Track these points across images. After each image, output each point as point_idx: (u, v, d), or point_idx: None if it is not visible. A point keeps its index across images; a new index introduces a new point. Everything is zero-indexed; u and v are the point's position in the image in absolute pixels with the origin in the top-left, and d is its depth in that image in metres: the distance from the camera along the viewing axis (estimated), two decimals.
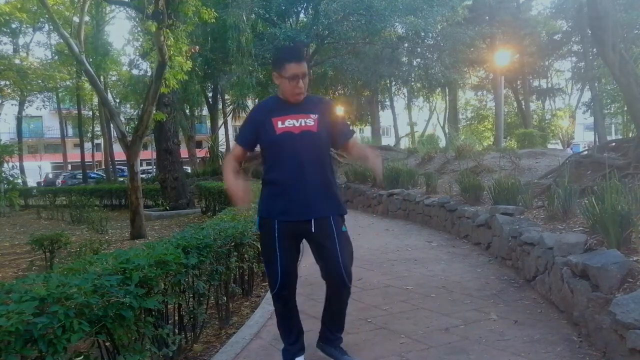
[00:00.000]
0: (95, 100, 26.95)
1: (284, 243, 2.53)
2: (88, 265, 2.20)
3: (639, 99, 5.93)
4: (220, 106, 27.29)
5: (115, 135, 13.83)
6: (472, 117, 37.63)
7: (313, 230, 2.49)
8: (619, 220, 3.19)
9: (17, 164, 21.74)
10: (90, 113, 32.53)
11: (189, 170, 22.80)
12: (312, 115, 2.54)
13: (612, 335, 2.47)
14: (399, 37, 19.14)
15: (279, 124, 2.51)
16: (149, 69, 16.88)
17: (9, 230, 12.88)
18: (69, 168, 36.00)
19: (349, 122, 2.85)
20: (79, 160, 29.00)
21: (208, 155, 24.48)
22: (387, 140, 35.26)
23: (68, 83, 22.34)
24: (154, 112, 9.57)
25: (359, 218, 9.19)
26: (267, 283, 4.61)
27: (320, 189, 2.51)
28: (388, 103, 30.12)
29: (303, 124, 2.51)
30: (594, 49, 19.49)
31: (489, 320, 3.31)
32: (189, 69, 9.80)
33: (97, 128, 31.77)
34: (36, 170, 33.23)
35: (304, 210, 2.49)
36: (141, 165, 15.15)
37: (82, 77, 18.99)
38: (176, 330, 2.81)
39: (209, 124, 30.67)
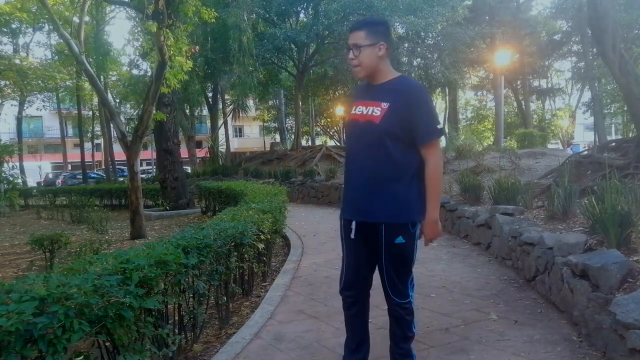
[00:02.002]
0: (95, 100, 26.95)
1: (349, 241, 2.31)
2: (88, 265, 2.20)
3: (639, 99, 5.93)
4: (220, 106, 27.30)
5: (115, 135, 13.83)
6: (472, 117, 37.65)
7: (352, 236, 2.27)
8: (619, 220, 3.19)
9: (17, 164, 21.73)
10: (90, 113, 32.53)
11: (189, 170, 22.80)
12: (383, 104, 2.19)
13: (612, 335, 2.47)
14: (399, 37, 19.15)
15: (353, 110, 2.32)
16: (149, 69, 16.88)
17: (9, 230, 12.87)
18: (69, 168, 35.99)
19: (438, 120, 2.29)
20: (79, 160, 28.98)
21: (208, 155, 24.49)
22: None
23: (68, 83, 22.34)
24: (154, 112, 9.57)
25: None
26: (267, 283, 4.62)
27: (368, 188, 2.21)
28: None
29: (370, 113, 2.22)
30: (594, 49, 19.48)
31: (489, 320, 3.31)
32: (189, 69, 9.80)
33: (97, 128, 31.77)
34: (36, 170, 33.22)
35: (350, 209, 2.29)
36: (141, 165, 15.15)
37: (82, 77, 18.98)
38: (176, 330, 2.80)
39: (209, 124, 30.68)
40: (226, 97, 28.48)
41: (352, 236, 2.27)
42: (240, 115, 30.44)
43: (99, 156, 37.99)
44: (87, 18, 18.59)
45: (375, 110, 2.20)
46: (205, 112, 27.87)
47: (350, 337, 2.42)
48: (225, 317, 3.50)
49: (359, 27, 2.25)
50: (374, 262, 2.32)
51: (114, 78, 28.42)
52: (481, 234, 5.69)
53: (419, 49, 20.47)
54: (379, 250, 2.25)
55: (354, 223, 2.26)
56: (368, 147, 2.21)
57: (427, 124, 2.19)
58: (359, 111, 2.27)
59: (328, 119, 34.96)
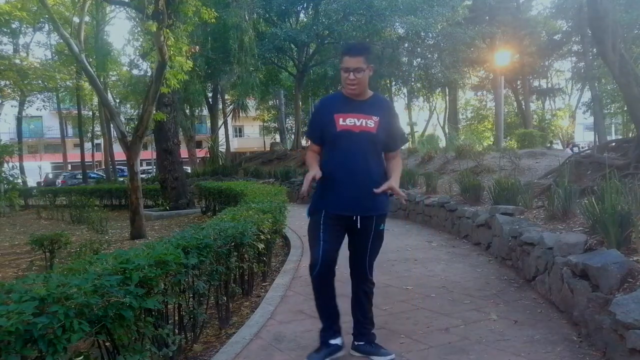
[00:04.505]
0: (95, 100, 26.91)
1: (329, 231, 2.64)
2: (88, 265, 2.20)
3: (639, 99, 5.93)
4: (220, 106, 27.30)
5: (115, 135, 13.82)
6: (472, 117, 37.61)
7: (359, 227, 2.63)
8: (619, 220, 3.19)
9: (17, 164, 21.74)
10: (90, 113, 32.49)
11: (189, 170, 22.80)
12: (374, 117, 2.63)
13: (612, 335, 2.47)
14: (399, 37, 19.15)
15: (341, 121, 2.62)
16: (149, 69, 16.86)
17: (9, 230, 12.87)
18: (69, 168, 35.98)
19: (405, 131, 2.92)
20: (79, 160, 28.96)
21: (208, 155, 24.47)
22: None
23: (68, 83, 22.30)
24: (154, 112, 9.57)
25: None
26: (267, 283, 4.62)
27: (369, 188, 2.58)
28: None
29: (364, 125, 2.61)
30: (594, 49, 19.48)
31: (489, 320, 3.31)
32: (189, 69, 9.81)
33: (97, 128, 31.73)
34: (36, 170, 33.17)
35: (351, 206, 2.61)
36: (141, 165, 15.16)
37: (82, 77, 18.96)
38: (176, 330, 2.80)
39: (209, 124, 30.67)
40: (226, 97, 28.47)
41: (359, 226, 2.64)
42: (240, 115, 30.44)
43: (99, 156, 37.96)
44: (87, 18, 18.57)
45: (370, 123, 2.62)
46: (205, 112, 27.86)
47: (325, 313, 2.76)
48: (225, 317, 3.49)
49: (360, 52, 2.61)
50: (340, 247, 2.72)
51: (114, 78, 28.39)
52: (481, 234, 5.69)
53: (419, 49, 20.46)
54: (365, 236, 2.69)
55: (358, 217, 2.62)
56: (365, 153, 2.60)
57: (402, 133, 2.83)
58: (350, 122, 2.62)
59: None
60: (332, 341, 2.73)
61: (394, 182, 2.63)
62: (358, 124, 2.59)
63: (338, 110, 2.65)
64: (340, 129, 2.60)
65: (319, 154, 2.75)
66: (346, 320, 2.86)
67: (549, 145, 21.68)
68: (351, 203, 2.60)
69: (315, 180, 2.58)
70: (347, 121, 2.61)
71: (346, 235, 2.74)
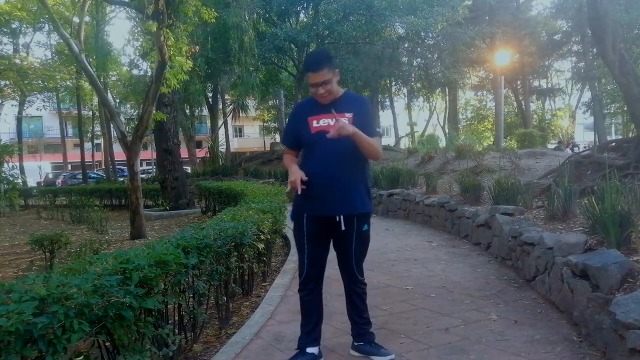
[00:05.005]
0: (95, 100, 26.90)
1: (313, 235, 2.67)
2: (88, 265, 2.20)
3: (639, 99, 5.93)
4: (220, 106, 27.29)
5: (115, 135, 13.82)
6: (472, 117, 37.60)
7: (343, 228, 2.61)
8: (619, 220, 3.19)
9: (17, 164, 21.74)
10: (90, 113, 32.49)
11: (189, 170, 22.79)
12: (347, 115, 2.60)
13: (612, 335, 2.47)
14: (399, 37, 19.15)
15: (314, 123, 2.63)
16: (149, 69, 16.86)
17: (9, 230, 12.87)
18: (69, 168, 35.98)
19: (378, 128, 2.87)
20: (79, 160, 28.95)
21: (208, 155, 24.49)
22: (387, 140, 35.24)
23: (68, 83, 22.30)
24: (154, 112, 9.57)
25: None
26: (267, 283, 4.62)
27: (348, 186, 2.59)
28: (388, 103, 30.12)
29: None
30: (594, 49, 19.49)
31: (489, 320, 3.31)
32: (189, 69, 9.80)
33: (97, 128, 31.72)
34: (36, 170, 33.15)
35: (332, 206, 2.59)
36: (141, 165, 15.16)
37: (82, 77, 18.96)
38: (176, 330, 2.80)
39: (209, 124, 30.67)
40: (226, 97, 28.48)
41: (343, 227, 2.60)
42: (240, 115, 30.43)
43: (99, 156, 37.96)
44: (87, 18, 18.57)
45: (343, 120, 2.54)
46: (205, 112, 27.87)
47: (307, 320, 2.75)
48: (225, 317, 3.49)
49: (322, 65, 2.56)
50: (328, 251, 2.74)
51: (114, 78, 28.39)
52: (481, 234, 5.69)
53: (419, 49, 20.47)
54: (349, 237, 2.66)
55: (341, 217, 2.60)
56: (342, 153, 2.55)
57: (374, 128, 2.70)
58: (324, 123, 2.60)
59: None
60: (310, 349, 2.71)
61: (350, 126, 2.47)
62: (332, 123, 2.55)
63: (311, 113, 2.65)
64: (315, 131, 2.61)
65: (297, 156, 2.76)
66: (344, 320, 2.86)
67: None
68: (331, 203, 2.59)
69: (303, 180, 2.54)
70: (320, 122, 2.61)
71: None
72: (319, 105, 2.65)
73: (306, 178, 2.54)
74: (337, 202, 2.58)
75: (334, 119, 2.53)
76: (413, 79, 22.59)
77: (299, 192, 2.54)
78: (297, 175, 2.55)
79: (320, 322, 2.80)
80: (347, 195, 2.58)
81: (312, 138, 2.61)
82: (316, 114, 2.64)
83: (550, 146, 20.66)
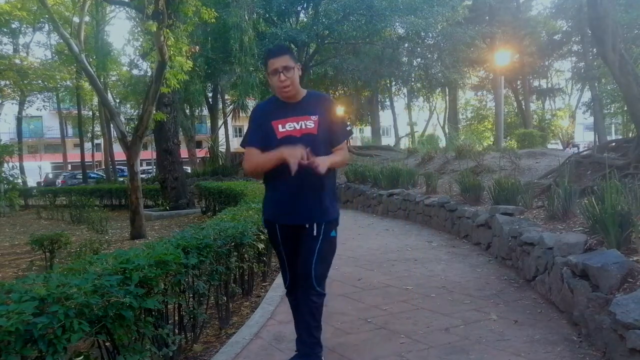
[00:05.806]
0: (95, 100, 26.91)
1: (288, 245, 2.58)
2: (88, 265, 2.20)
3: (639, 99, 5.93)
4: (220, 106, 27.28)
5: (115, 135, 13.83)
6: (472, 117, 37.60)
7: (315, 234, 2.48)
8: (619, 220, 3.19)
9: (17, 164, 21.73)
10: (90, 113, 32.49)
11: (189, 170, 22.78)
12: (313, 117, 2.48)
13: (612, 335, 2.47)
14: (399, 37, 19.14)
15: (280, 128, 2.46)
16: (149, 69, 16.88)
17: (9, 230, 12.88)
18: (69, 168, 35.98)
19: (348, 123, 2.75)
20: (79, 160, 28.95)
21: (208, 155, 24.46)
22: (387, 140, 35.28)
23: (68, 83, 22.33)
24: (154, 112, 9.57)
25: (359, 218, 9.20)
26: (267, 283, 4.62)
27: (318, 194, 2.47)
28: (388, 103, 30.14)
29: (304, 127, 2.46)
30: (594, 49, 19.49)
31: (489, 320, 3.31)
32: (189, 69, 9.81)
33: (97, 128, 31.71)
34: (36, 170, 33.16)
35: (303, 214, 2.48)
36: (141, 165, 15.16)
37: (82, 77, 18.98)
38: (176, 330, 2.80)
39: (209, 124, 30.65)
40: (226, 97, 28.46)
41: (315, 234, 2.48)
42: (240, 115, 30.36)
43: (99, 156, 37.95)
44: (87, 18, 18.57)
45: (309, 124, 2.46)
46: (205, 112, 27.85)
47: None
48: (225, 317, 3.49)
49: (283, 52, 2.47)
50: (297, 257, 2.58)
51: (114, 78, 28.39)
52: (481, 234, 5.69)
53: (419, 49, 20.45)
54: (314, 240, 2.48)
55: (315, 225, 2.48)
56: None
57: (344, 127, 2.59)
58: (290, 127, 2.46)
59: None
60: None
61: (323, 159, 2.37)
62: (298, 127, 2.44)
63: (275, 117, 2.48)
64: (281, 136, 2.44)
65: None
66: (344, 320, 2.86)
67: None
68: (301, 212, 2.47)
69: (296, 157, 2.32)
70: (286, 127, 2.46)
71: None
72: (283, 107, 2.50)
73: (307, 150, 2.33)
74: (307, 210, 2.47)
75: (300, 122, 2.45)
76: (413, 79, 22.58)
77: (307, 160, 2.32)
78: (290, 149, 2.33)
79: None
80: (317, 202, 2.47)
81: (279, 144, 2.41)
82: (282, 117, 2.47)
83: (550, 146, 20.71)
